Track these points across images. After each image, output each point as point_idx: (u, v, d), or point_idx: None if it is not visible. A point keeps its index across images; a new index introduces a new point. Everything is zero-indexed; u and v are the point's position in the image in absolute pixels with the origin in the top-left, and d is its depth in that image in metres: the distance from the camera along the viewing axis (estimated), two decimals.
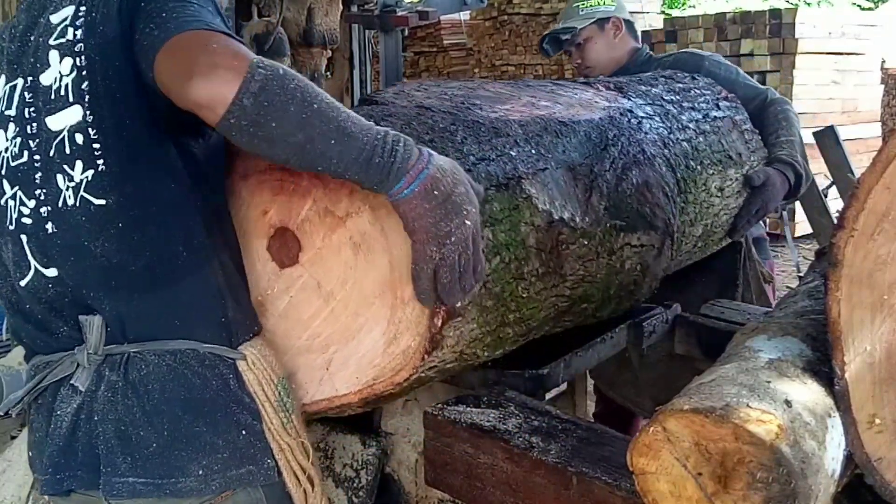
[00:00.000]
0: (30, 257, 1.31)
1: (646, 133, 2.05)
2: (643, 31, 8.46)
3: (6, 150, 1.33)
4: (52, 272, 1.30)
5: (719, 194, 2.24)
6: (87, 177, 1.26)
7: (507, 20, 10.21)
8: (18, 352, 2.43)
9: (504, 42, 10.29)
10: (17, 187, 1.32)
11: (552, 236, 1.61)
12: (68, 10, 1.31)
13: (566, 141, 1.78)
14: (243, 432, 1.29)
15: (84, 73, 1.26)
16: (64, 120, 1.27)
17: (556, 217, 1.63)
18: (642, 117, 2.10)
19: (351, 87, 5.38)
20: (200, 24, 1.20)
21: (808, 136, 5.50)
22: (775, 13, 7.79)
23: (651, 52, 2.90)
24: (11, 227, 1.33)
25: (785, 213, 5.53)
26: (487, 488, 1.54)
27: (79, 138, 1.26)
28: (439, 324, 1.35)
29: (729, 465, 1.13)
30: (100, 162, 1.25)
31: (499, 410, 1.64)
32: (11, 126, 1.33)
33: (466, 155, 1.53)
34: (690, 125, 2.24)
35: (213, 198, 1.36)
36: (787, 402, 1.20)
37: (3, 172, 1.34)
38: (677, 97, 2.34)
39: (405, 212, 1.20)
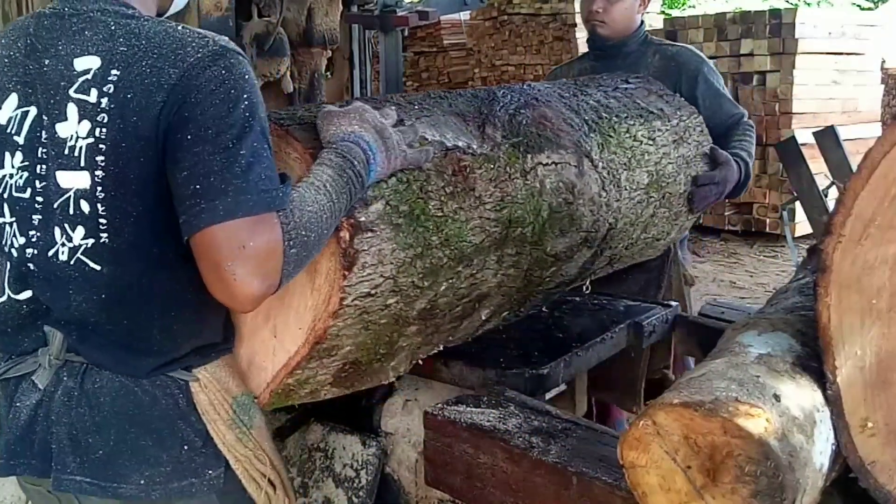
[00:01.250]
0: (4, 283, 1.35)
1: (538, 91, 2.13)
2: None
3: (10, 176, 1.32)
4: (24, 296, 1.34)
5: (651, 142, 2.28)
6: (86, 244, 1.27)
7: (507, 20, 10.18)
8: None
9: (504, 42, 10.26)
10: (14, 219, 1.33)
11: (452, 162, 1.68)
12: (93, 62, 1.26)
13: (451, 101, 1.87)
14: (185, 447, 1.35)
15: (101, 147, 1.24)
16: (72, 181, 1.26)
17: (450, 145, 1.69)
18: (537, 87, 2.19)
19: (351, 87, 5.38)
20: (239, 206, 1.19)
21: (808, 136, 5.53)
22: (775, 13, 7.77)
23: (648, 33, 2.93)
24: (6, 250, 1.35)
25: (785, 214, 5.54)
26: (487, 488, 1.54)
27: (84, 206, 1.26)
28: (347, 237, 1.42)
29: (718, 459, 1.15)
30: (103, 236, 1.26)
31: (499, 410, 1.64)
32: (19, 155, 1.31)
33: None
34: (596, 93, 2.31)
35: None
36: (776, 397, 1.21)
37: (5, 196, 1.33)
38: (579, 83, 2.41)
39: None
